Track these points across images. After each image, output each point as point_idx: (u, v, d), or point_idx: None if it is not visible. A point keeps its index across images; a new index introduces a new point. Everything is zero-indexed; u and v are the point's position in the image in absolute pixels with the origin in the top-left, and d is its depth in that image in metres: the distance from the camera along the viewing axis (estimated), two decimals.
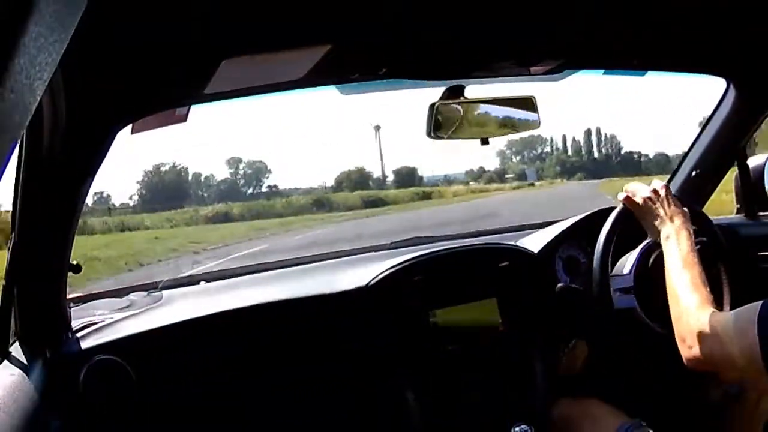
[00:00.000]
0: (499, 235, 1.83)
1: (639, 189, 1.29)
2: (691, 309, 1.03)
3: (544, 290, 1.49)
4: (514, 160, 56.09)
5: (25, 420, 0.85)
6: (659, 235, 1.22)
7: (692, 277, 1.08)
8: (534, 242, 1.60)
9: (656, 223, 1.23)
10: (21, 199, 0.98)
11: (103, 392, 1.16)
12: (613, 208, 1.41)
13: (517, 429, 1.31)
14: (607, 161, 52.35)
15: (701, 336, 0.98)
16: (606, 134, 55.54)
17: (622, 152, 53.69)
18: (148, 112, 0.97)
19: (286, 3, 0.79)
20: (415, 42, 1.02)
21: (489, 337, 1.47)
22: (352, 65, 1.10)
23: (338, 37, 0.91)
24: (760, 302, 0.90)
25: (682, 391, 1.47)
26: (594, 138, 55.03)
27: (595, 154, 54.76)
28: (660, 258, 1.27)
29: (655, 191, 1.26)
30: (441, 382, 1.44)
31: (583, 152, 54.76)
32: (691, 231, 1.19)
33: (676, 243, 1.16)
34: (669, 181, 1.81)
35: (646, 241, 1.34)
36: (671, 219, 1.21)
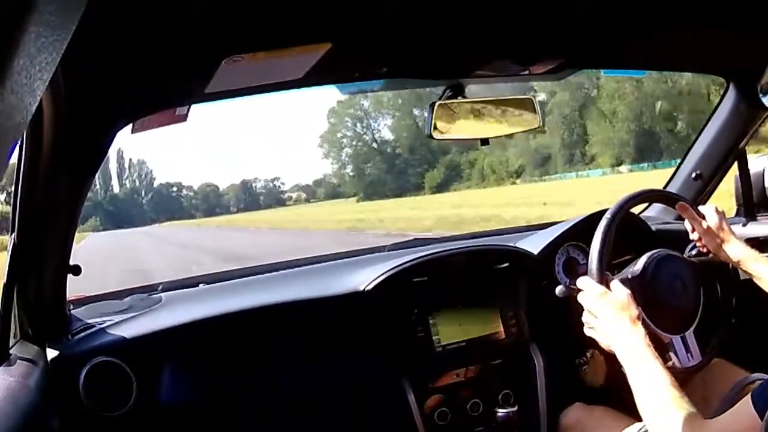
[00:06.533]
0: (498, 237, 1.83)
1: (584, 285, 1.07)
2: None
3: (544, 292, 1.48)
4: None
5: (24, 421, 0.85)
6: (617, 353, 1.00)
7: (666, 398, 0.89)
8: (534, 244, 1.59)
9: (603, 339, 1.03)
10: (21, 199, 0.98)
11: (102, 394, 1.16)
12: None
13: (500, 412, 1.30)
14: None
15: None
16: None
17: None
18: (149, 112, 0.97)
19: (286, 2, 0.79)
20: (415, 41, 1.02)
21: (489, 339, 1.47)
22: (352, 64, 1.10)
23: (338, 36, 0.91)
24: (748, 394, 0.81)
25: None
26: None
27: None
28: (666, 265, 1.26)
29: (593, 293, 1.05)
30: (441, 385, 1.43)
31: None
32: (643, 338, 0.97)
33: (634, 365, 0.94)
34: (668, 184, 1.81)
35: (652, 252, 1.32)
36: (614, 335, 1.00)
